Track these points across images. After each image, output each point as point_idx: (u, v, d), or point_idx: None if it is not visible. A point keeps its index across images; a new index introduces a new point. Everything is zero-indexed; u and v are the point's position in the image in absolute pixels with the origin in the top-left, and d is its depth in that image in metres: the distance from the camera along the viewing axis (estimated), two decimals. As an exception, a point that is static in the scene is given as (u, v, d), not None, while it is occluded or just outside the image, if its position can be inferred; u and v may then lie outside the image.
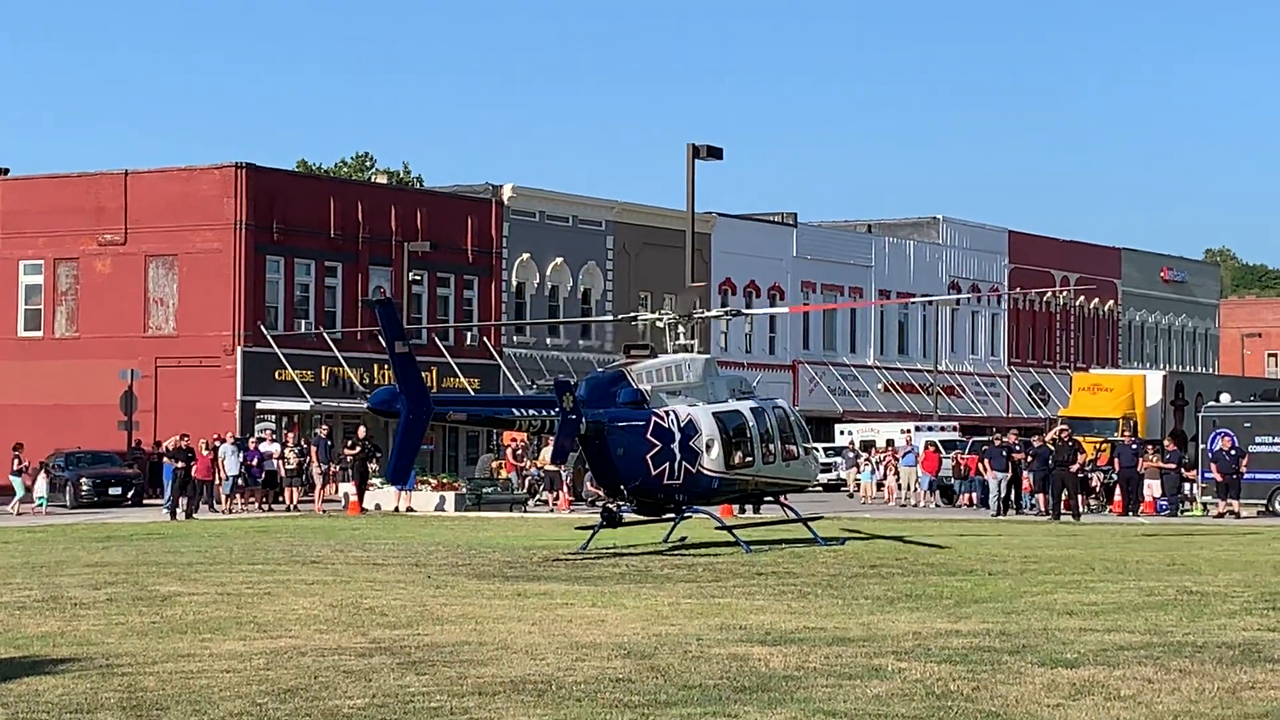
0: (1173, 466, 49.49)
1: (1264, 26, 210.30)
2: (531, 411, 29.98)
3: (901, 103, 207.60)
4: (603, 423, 29.92)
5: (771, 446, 32.04)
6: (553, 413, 29.35)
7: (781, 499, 33.77)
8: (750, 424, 31.72)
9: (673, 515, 31.78)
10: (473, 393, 69.86)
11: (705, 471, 30.95)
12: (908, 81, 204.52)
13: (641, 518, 32.28)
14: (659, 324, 32.91)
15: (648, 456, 30.22)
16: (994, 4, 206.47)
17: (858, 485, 63.50)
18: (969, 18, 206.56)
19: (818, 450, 34.44)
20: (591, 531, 31.49)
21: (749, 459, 31.66)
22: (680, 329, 32.48)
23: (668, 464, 30.39)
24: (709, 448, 30.86)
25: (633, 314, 32.77)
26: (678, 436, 30.44)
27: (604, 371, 31.37)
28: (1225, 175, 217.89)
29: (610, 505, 31.29)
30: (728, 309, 32.82)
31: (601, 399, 30.42)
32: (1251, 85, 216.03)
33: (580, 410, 29.49)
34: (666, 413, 30.52)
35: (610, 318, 31.92)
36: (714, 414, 31.15)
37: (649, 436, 30.21)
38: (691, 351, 32.36)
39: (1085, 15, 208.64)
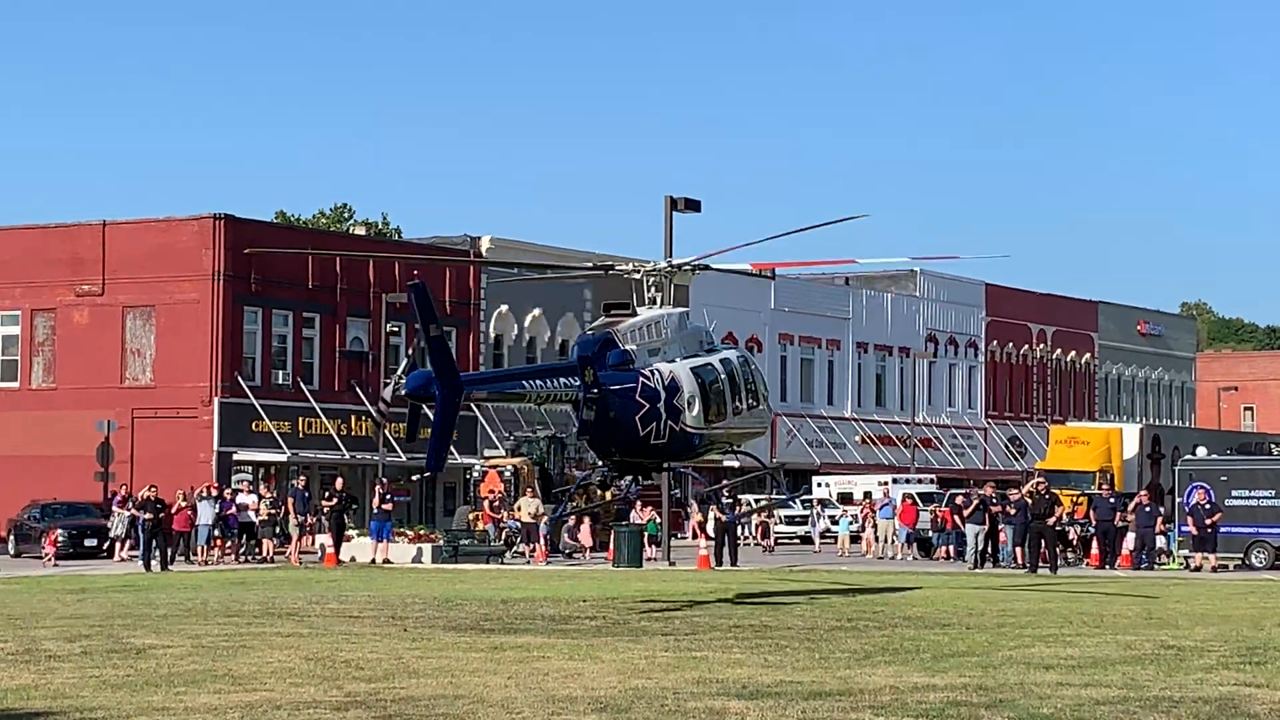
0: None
1: (1240, 84, 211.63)
2: (539, 383, 29.56)
3: (878, 157, 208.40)
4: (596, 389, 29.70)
5: (739, 398, 31.90)
6: (560, 382, 29.19)
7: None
8: (722, 377, 31.57)
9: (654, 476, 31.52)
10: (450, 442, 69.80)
11: (688, 429, 30.76)
12: (885, 136, 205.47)
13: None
14: (635, 276, 32.25)
15: (637, 418, 30.01)
16: (971, 61, 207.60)
17: (833, 538, 63.56)
18: (946, 74, 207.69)
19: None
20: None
21: (723, 413, 31.54)
22: (653, 286, 31.97)
23: (654, 424, 30.17)
24: (690, 405, 30.61)
25: (608, 264, 32.12)
26: (663, 396, 30.24)
27: (592, 334, 30.89)
28: (1201, 230, 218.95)
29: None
30: (698, 257, 32.25)
31: (593, 362, 30.17)
32: (1227, 140, 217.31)
33: (599, 383, 29.33)
34: (651, 372, 30.26)
35: (589, 265, 31.26)
36: (691, 370, 31.01)
37: (638, 398, 29.99)
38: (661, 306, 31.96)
39: (1061, 73, 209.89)
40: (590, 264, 31.38)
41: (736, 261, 32.47)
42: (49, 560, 50.22)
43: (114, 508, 52.45)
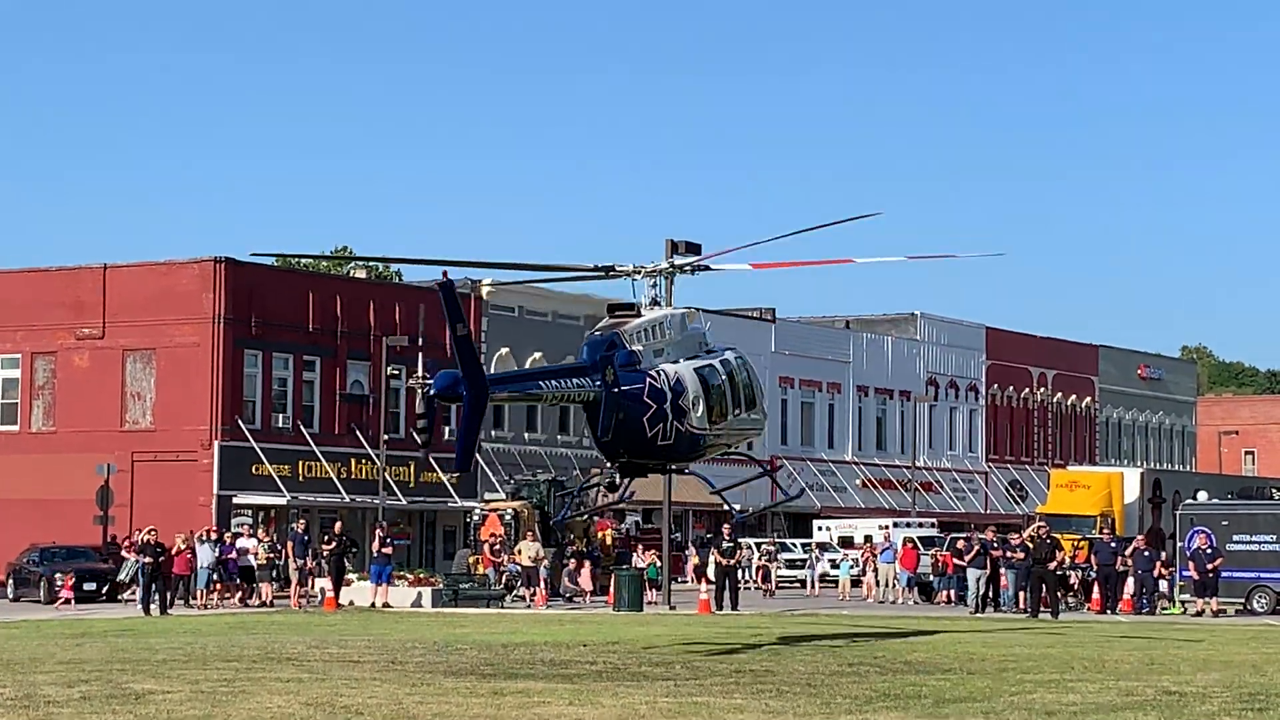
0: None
1: (1241, 128, 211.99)
2: (555, 383, 29.54)
3: (879, 199, 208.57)
4: (600, 389, 29.64)
5: (739, 399, 31.92)
6: (574, 383, 29.14)
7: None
8: (723, 377, 31.60)
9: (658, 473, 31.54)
10: (450, 486, 69.91)
11: (693, 430, 30.74)
12: (885, 179, 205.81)
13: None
14: (636, 277, 32.12)
15: (645, 419, 29.98)
16: (970, 103, 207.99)
17: (833, 582, 63.46)
18: (946, 117, 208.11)
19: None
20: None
21: (724, 414, 31.54)
22: (653, 287, 31.84)
23: (661, 425, 30.12)
24: (695, 405, 30.62)
25: (609, 266, 32.00)
26: (669, 396, 30.21)
27: (599, 335, 30.80)
28: (1201, 273, 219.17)
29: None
30: (694, 258, 32.14)
31: (611, 362, 30.06)
32: (1227, 185, 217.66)
33: (619, 382, 29.29)
34: (657, 373, 30.22)
35: (581, 269, 30.96)
36: (695, 370, 30.99)
37: (645, 399, 29.96)
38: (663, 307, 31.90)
39: (1061, 114, 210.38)
40: (592, 266, 31.22)
41: (737, 262, 32.33)
42: (64, 603, 50.28)
43: (124, 553, 52.34)
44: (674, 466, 31.72)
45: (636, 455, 30.47)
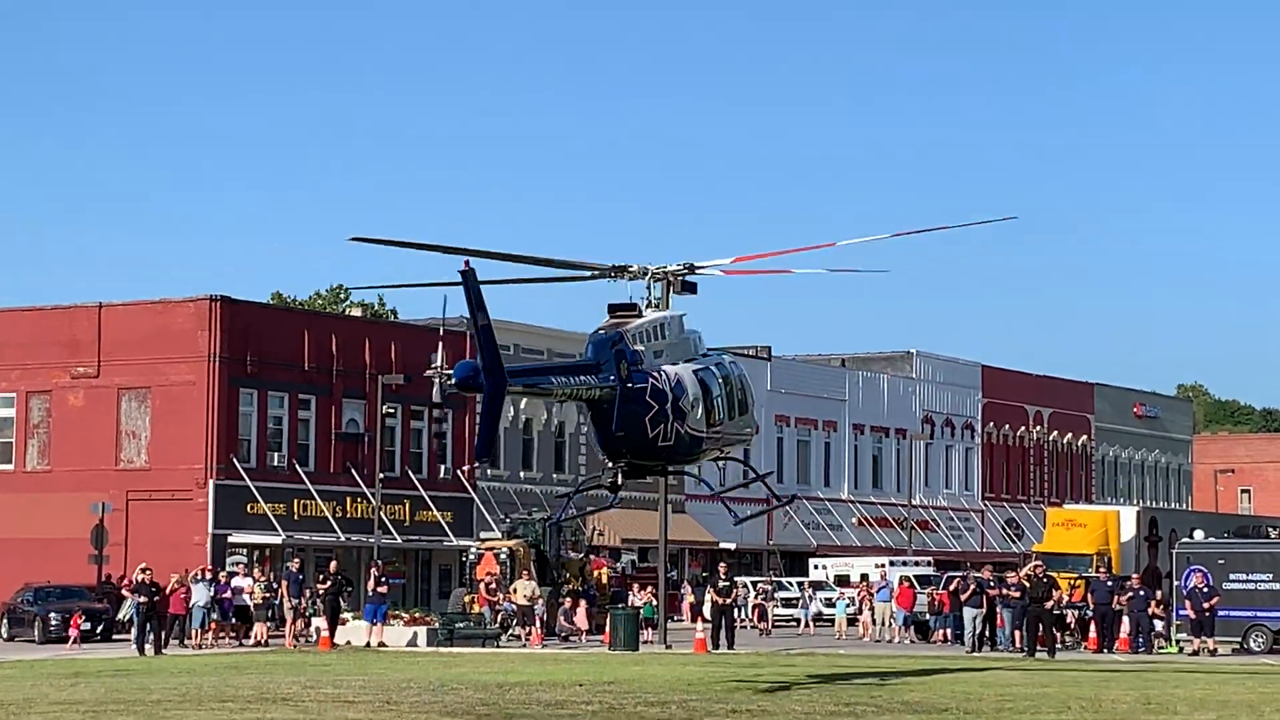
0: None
1: (1236, 167, 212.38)
2: (565, 379, 29.50)
3: (877, 245, 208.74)
4: (614, 387, 29.59)
5: (734, 402, 31.91)
6: (581, 380, 29.10)
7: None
8: (719, 381, 31.60)
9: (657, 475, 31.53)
10: (446, 524, 69.84)
11: (692, 432, 30.70)
12: (880, 219, 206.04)
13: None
14: (640, 279, 31.95)
15: (647, 419, 29.93)
16: (966, 144, 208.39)
17: (828, 621, 63.34)
18: (941, 156, 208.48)
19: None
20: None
21: (720, 417, 31.51)
22: (654, 289, 31.75)
23: (662, 426, 30.06)
24: (694, 407, 30.60)
25: (623, 265, 31.88)
26: (670, 397, 30.16)
27: (604, 333, 30.70)
28: (1197, 312, 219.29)
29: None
30: (684, 264, 32.01)
31: (624, 358, 29.98)
32: (1222, 224, 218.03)
33: (633, 377, 29.27)
34: (659, 373, 30.17)
35: (594, 266, 30.84)
36: (694, 373, 30.96)
37: (648, 399, 29.91)
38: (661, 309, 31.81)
39: (1056, 152, 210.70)
40: (593, 273, 31.21)
41: (720, 259, 32.17)
42: (74, 643, 50.27)
43: (123, 592, 52.24)
44: (671, 469, 31.70)
45: (638, 455, 30.40)
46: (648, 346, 30.39)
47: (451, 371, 28.58)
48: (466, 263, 27.35)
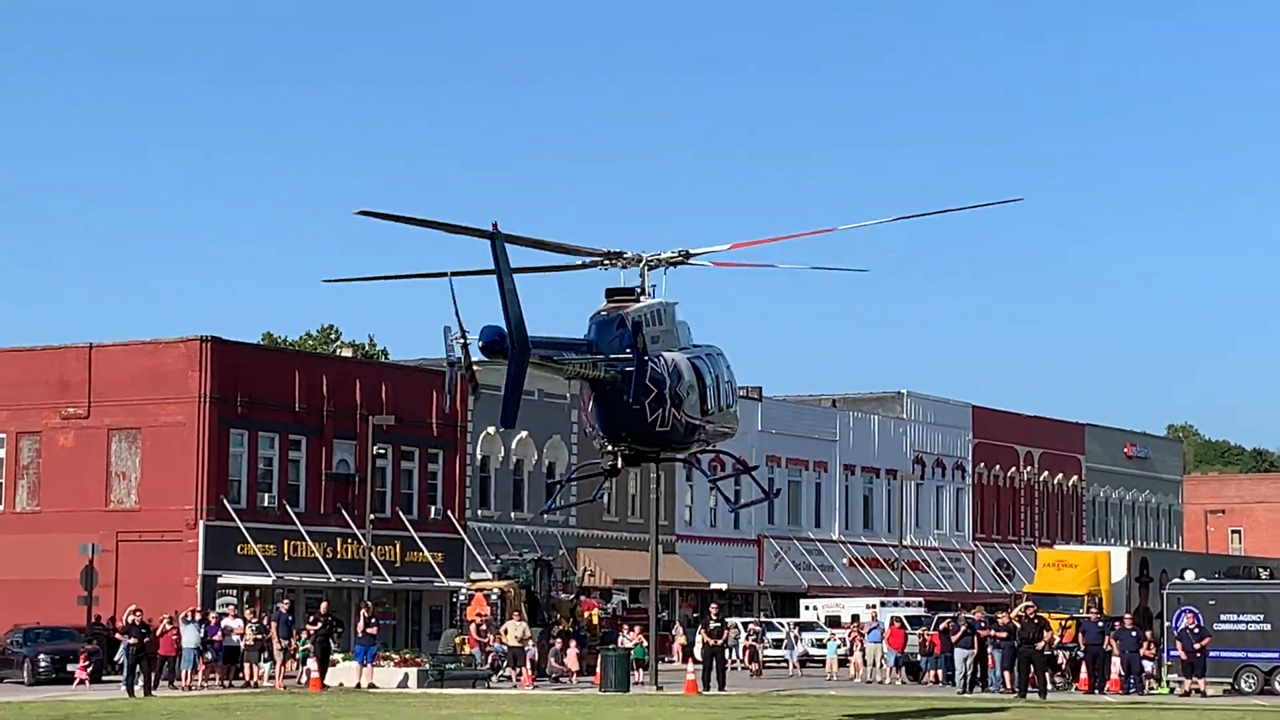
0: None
1: (1225, 207, 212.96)
2: (569, 355, 29.42)
3: (866, 279, 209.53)
4: (619, 368, 29.54)
5: (723, 393, 31.94)
6: (589, 359, 29.06)
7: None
8: (710, 371, 31.64)
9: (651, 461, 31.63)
10: (436, 565, 69.77)
11: (688, 419, 30.70)
12: (873, 260, 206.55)
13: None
14: (636, 265, 31.86)
15: (647, 403, 29.90)
16: (957, 184, 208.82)
17: (819, 662, 63.28)
18: (932, 197, 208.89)
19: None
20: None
21: (713, 406, 31.52)
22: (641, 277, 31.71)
23: (660, 411, 30.04)
24: (689, 394, 30.64)
25: (617, 251, 31.76)
26: (668, 383, 30.14)
27: (605, 315, 30.62)
28: (1187, 352, 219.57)
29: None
30: (679, 251, 31.93)
31: (634, 338, 29.97)
32: (1213, 264, 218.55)
33: (649, 354, 29.27)
34: (658, 358, 30.16)
35: (590, 251, 30.70)
36: (689, 360, 30.97)
37: (648, 382, 29.90)
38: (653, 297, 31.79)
39: (1048, 191, 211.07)
40: (595, 256, 31.20)
41: (718, 245, 32.16)
42: (80, 683, 50.15)
43: (118, 635, 52.09)
44: (666, 455, 31.74)
45: (636, 440, 30.42)
46: (646, 331, 30.43)
47: (466, 335, 28.20)
48: (495, 225, 27.29)
